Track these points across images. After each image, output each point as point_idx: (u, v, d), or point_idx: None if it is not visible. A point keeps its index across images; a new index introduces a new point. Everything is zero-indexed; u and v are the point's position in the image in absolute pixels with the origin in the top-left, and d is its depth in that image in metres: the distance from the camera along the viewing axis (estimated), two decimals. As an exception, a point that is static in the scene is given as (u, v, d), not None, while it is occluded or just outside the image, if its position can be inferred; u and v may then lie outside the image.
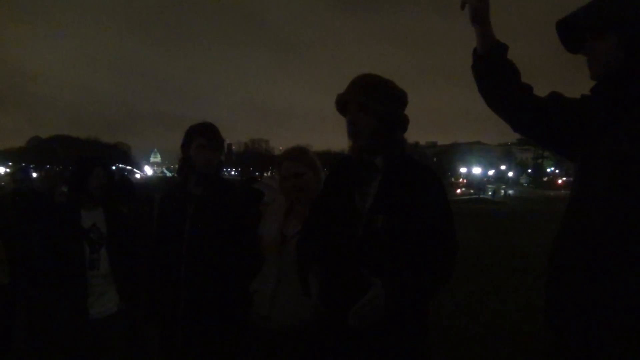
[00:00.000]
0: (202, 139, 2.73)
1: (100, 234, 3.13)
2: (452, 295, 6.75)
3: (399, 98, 2.09)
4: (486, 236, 14.92)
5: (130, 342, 3.70)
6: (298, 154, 2.69)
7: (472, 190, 67.20)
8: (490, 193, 56.05)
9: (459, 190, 69.02)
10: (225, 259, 2.63)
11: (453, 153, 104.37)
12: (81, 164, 3.23)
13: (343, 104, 2.12)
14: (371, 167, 2.05)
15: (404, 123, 2.10)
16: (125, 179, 4.96)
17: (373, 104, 2.01)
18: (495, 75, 1.77)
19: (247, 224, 2.71)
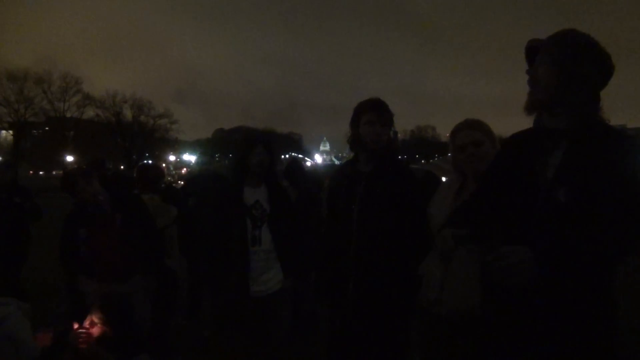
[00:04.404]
0: (372, 114, 2.65)
1: (263, 211, 3.14)
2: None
3: (599, 58, 1.75)
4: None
5: (295, 319, 3.77)
6: (475, 122, 2.48)
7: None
8: None
9: None
10: (394, 239, 2.54)
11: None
12: (243, 142, 3.30)
13: (532, 54, 1.84)
14: (554, 133, 1.75)
15: (596, 85, 1.76)
16: (297, 162, 5.18)
17: (560, 52, 1.73)
18: None
19: (417, 203, 2.58)
